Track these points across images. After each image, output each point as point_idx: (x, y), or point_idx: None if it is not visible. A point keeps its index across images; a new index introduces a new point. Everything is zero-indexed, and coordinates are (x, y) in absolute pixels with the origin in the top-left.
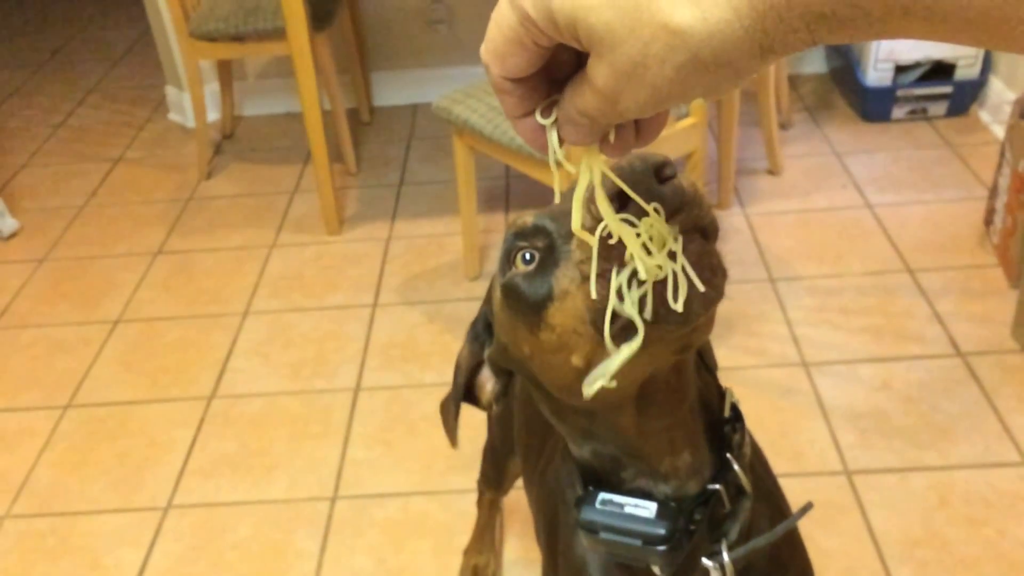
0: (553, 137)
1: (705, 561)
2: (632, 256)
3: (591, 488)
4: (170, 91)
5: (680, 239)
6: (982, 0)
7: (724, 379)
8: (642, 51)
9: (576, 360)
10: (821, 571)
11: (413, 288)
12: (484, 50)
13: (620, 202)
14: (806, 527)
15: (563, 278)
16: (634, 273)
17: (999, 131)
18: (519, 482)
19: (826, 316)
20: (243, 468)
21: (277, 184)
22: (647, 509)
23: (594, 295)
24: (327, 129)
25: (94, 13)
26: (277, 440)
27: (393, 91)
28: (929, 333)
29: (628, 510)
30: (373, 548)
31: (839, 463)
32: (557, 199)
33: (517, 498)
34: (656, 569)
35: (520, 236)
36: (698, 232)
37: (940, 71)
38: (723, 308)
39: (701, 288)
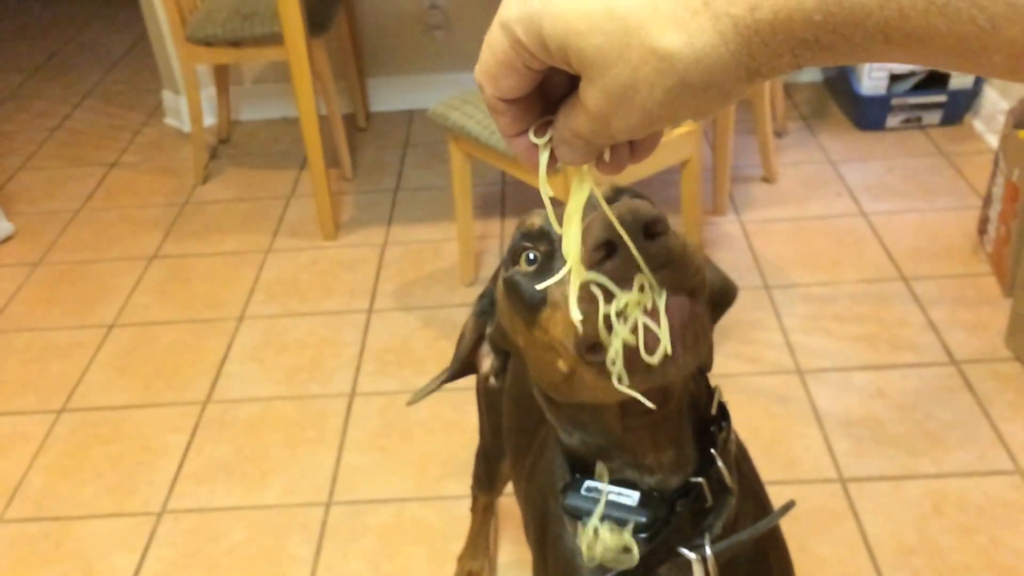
0: (544, 157)
1: (688, 553)
2: (618, 302)
3: (577, 475)
4: (166, 95)
5: (664, 296)
6: (960, 28)
7: (719, 386)
8: (631, 75)
9: (561, 365)
10: None
11: (409, 294)
12: (478, 71)
13: (607, 250)
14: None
15: (556, 290)
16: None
17: (993, 140)
18: (511, 488)
19: (821, 324)
20: (237, 473)
21: (273, 189)
22: (630, 498)
23: (578, 328)
24: (323, 134)
25: (91, 17)
26: (272, 445)
27: (390, 97)
28: (923, 341)
29: (612, 498)
30: (367, 554)
31: (833, 470)
32: (550, 214)
33: (510, 504)
34: (635, 552)
35: (527, 237)
36: (685, 292)
37: (934, 80)
38: None
39: (672, 351)
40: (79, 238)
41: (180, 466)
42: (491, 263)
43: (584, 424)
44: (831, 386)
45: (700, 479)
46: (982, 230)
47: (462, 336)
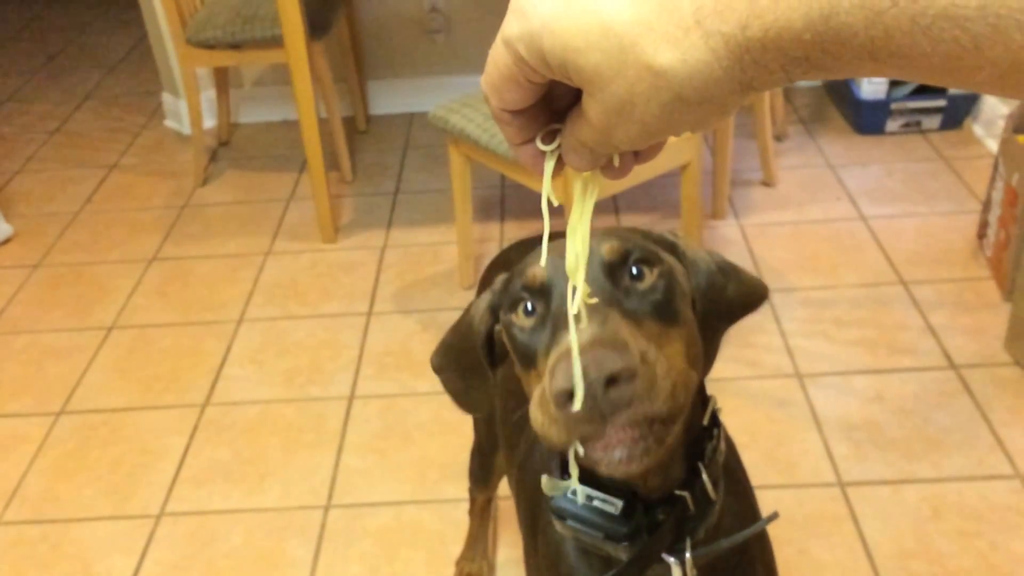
0: (549, 166)
1: (667, 558)
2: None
3: (567, 477)
4: (166, 98)
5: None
6: (945, 48)
7: (717, 390)
8: (629, 91)
9: (552, 409)
10: None
11: (408, 297)
12: (484, 83)
13: (569, 396)
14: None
15: (542, 362)
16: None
17: (992, 145)
18: (507, 492)
19: (820, 328)
20: (236, 476)
21: (273, 192)
22: (614, 506)
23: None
24: (323, 137)
25: (91, 19)
26: (270, 448)
27: (389, 100)
28: (922, 345)
29: (596, 504)
30: (366, 557)
31: (832, 475)
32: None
33: (508, 507)
34: (619, 554)
35: (527, 290)
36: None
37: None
38: None
39: (622, 463)
40: (78, 240)
41: (179, 468)
42: None
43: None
44: (830, 390)
45: (685, 492)
46: (981, 234)
47: (472, 318)
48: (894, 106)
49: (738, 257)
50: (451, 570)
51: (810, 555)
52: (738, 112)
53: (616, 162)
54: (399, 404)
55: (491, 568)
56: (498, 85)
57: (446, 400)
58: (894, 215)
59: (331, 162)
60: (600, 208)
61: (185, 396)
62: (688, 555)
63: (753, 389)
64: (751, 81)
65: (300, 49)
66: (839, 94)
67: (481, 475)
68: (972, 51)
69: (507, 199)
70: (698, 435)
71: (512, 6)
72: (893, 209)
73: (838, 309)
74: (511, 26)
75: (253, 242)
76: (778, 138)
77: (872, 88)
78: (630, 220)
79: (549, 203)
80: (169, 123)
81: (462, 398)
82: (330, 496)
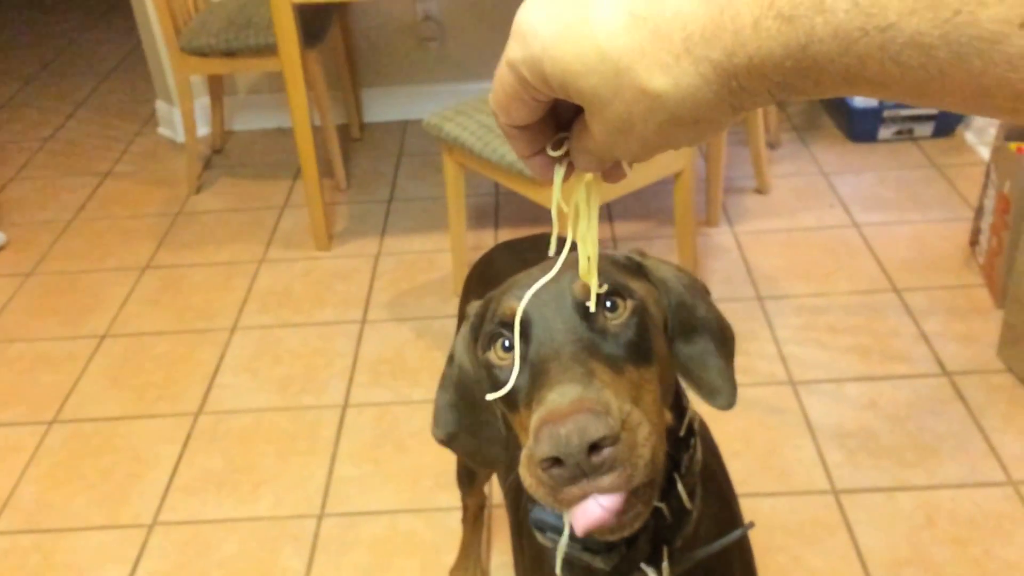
0: (559, 175)
1: (645, 567)
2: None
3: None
4: (160, 105)
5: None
6: (913, 74)
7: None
8: (627, 111)
9: (538, 472)
10: None
11: (402, 304)
12: (492, 102)
13: (554, 461)
14: (793, 546)
15: (524, 410)
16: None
17: (984, 152)
18: (500, 500)
19: (813, 335)
20: (229, 485)
21: (266, 199)
22: None
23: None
24: (317, 145)
25: (85, 27)
26: (264, 457)
27: (383, 108)
28: (915, 352)
29: None
30: (360, 566)
31: (826, 482)
32: (553, 242)
33: (501, 515)
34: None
35: (506, 326)
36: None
37: None
38: None
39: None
40: (72, 248)
41: (172, 477)
42: None
43: None
44: (824, 397)
45: (661, 504)
46: (974, 242)
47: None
48: (886, 114)
49: (732, 264)
50: None
51: (804, 563)
52: None
53: (627, 169)
54: (393, 412)
55: None
56: (505, 104)
57: None
58: (887, 222)
59: (325, 170)
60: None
61: (178, 404)
62: (665, 564)
63: (746, 396)
64: (740, 103)
65: (294, 57)
66: (831, 102)
67: (466, 477)
68: (937, 76)
69: (501, 207)
70: (675, 445)
71: (514, 30)
72: (886, 216)
73: (831, 316)
74: (514, 50)
75: (247, 250)
76: (771, 146)
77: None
78: (624, 228)
79: (551, 209)
80: (163, 131)
81: (478, 457)
82: (324, 505)
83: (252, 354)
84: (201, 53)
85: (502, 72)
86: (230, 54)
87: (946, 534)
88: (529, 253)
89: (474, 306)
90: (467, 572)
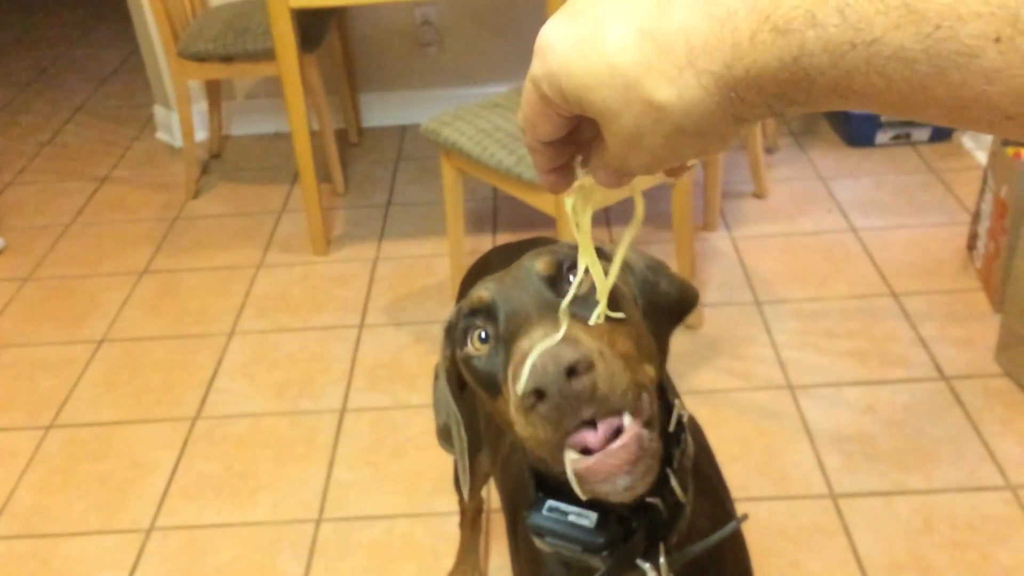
0: (570, 203)
1: (642, 563)
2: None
3: (540, 495)
4: (158, 110)
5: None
6: (897, 87)
7: (709, 402)
8: (636, 123)
9: (529, 415)
10: None
11: (400, 309)
12: (520, 118)
13: (538, 395)
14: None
15: (504, 383)
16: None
17: (982, 157)
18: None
19: (811, 339)
20: (227, 490)
21: (264, 204)
22: (588, 519)
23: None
24: (315, 149)
25: (82, 32)
26: (262, 462)
27: (382, 112)
28: (913, 357)
29: (571, 518)
30: (358, 571)
31: (824, 486)
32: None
33: (499, 520)
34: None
35: (475, 314)
36: (619, 413)
37: None
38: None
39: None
40: (69, 253)
41: (169, 482)
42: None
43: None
44: (822, 402)
45: (656, 500)
46: (971, 246)
47: (441, 403)
48: (884, 118)
49: (730, 269)
50: None
51: (802, 567)
52: None
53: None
54: (391, 417)
55: None
56: (532, 119)
57: None
58: (884, 227)
59: (323, 174)
60: (592, 220)
61: (176, 409)
62: (662, 560)
63: (744, 401)
64: (741, 114)
65: (292, 62)
66: None
67: (464, 478)
68: (920, 89)
69: (499, 211)
70: (665, 441)
71: (536, 47)
72: (883, 221)
73: (829, 320)
74: (535, 67)
75: (245, 254)
76: (769, 150)
77: None
78: (622, 232)
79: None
80: (161, 135)
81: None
82: (321, 510)
83: (250, 359)
84: (199, 58)
85: (527, 89)
86: (228, 59)
87: (944, 538)
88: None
89: (449, 319)
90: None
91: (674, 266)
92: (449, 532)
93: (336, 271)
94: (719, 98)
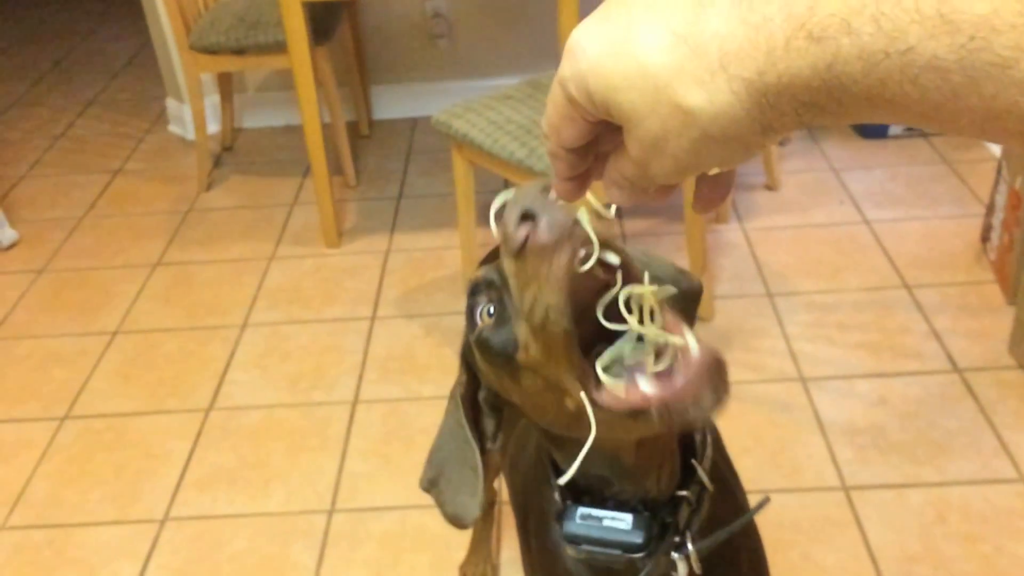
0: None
1: (673, 554)
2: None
3: (569, 503)
4: (170, 103)
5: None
6: (930, 96)
7: None
8: (662, 127)
9: (569, 404)
10: None
11: (411, 301)
12: (545, 123)
13: (524, 219)
14: (803, 543)
15: (520, 330)
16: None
17: (995, 149)
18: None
19: (823, 331)
20: (240, 481)
21: (276, 196)
22: (624, 521)
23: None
24: (327, 142)
25: (95, 25)
26: (274, 453)
27: (393, 105)
28: (926, 349)
29: (607, 523)
30: (370, 562)
31: (836, 479)
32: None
33: (511, 511)
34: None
35: (476, 292)
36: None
37: None
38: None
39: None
40: (83, 245)
41: (183, 473)
42: None
43: (593, 461)
44: (834, 394)
45: (686, 492)
46: (985, 238)
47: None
48: None
49: (742, 261)
50: (455, 574)
51: (814, 559)
52: None
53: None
54: (403, 408)
55: (495, 571)
56: (556, 123)
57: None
58: (897, 219)
59: (334, 167)
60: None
61: (189, 401)
62: (691, 549)
63: (756, 393)
64: (770, 123)
65: (303, 54)
66: None
67: (472, 504)
68: (952, 99)
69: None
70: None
71: (566, 49)
72: (896, 213)
73: (841, 313)
74: (564, 67)
75: (257, 247)
76: (781, 142)
77: None
78: (633, 224)
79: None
80: (173, 128)
81: (449, 507)
82: (334, 500)
83: (262, 351)
84: (211, 51)
85: (554, 91)
86: (240, 52)
87: (957, 531)
88: None
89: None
90: (477, 567)
91: (686, 258)
92: None
93: (348, 263)
94: (749, 105)
